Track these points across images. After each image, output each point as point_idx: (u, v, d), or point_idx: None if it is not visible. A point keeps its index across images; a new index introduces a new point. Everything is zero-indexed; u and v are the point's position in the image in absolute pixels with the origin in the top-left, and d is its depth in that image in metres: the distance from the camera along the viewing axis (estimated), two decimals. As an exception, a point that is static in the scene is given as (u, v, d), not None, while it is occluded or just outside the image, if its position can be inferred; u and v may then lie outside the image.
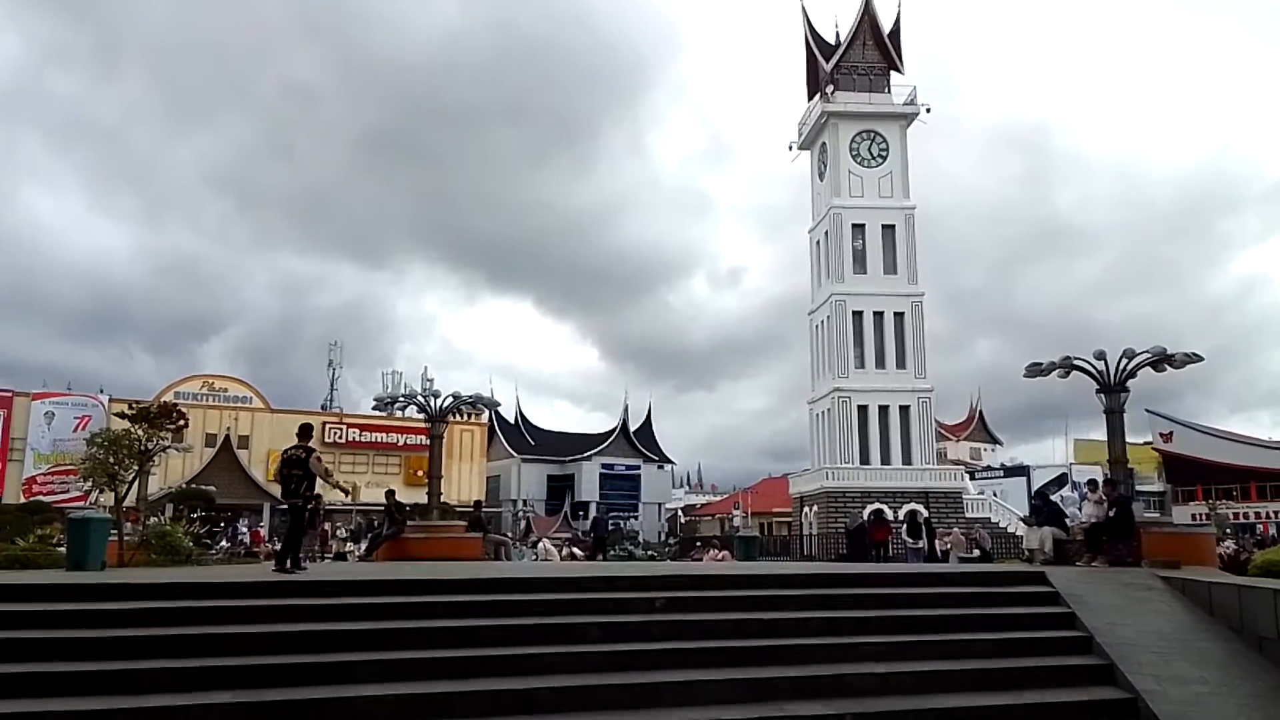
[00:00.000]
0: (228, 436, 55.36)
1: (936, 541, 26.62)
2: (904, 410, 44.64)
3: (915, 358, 44.87)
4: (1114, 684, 7.45)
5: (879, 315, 45.15)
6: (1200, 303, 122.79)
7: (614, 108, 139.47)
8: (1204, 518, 48.84)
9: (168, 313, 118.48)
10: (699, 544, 44.88)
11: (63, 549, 13.75)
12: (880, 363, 44.96)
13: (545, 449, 75.58)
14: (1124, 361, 15.98)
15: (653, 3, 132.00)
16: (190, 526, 15.80)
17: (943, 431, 68.29)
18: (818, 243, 48.52)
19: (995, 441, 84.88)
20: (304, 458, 11.03)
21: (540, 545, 27.85)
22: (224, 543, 29.02)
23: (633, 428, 76.79)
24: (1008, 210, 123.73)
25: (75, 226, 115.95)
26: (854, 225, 46.00)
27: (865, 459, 44.05)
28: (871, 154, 47.17)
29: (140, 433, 14.81)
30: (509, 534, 27.21)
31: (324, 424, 57.60)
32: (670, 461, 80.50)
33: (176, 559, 14.20)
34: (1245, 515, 54.94)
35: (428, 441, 22.12)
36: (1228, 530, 38.26)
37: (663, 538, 67.41)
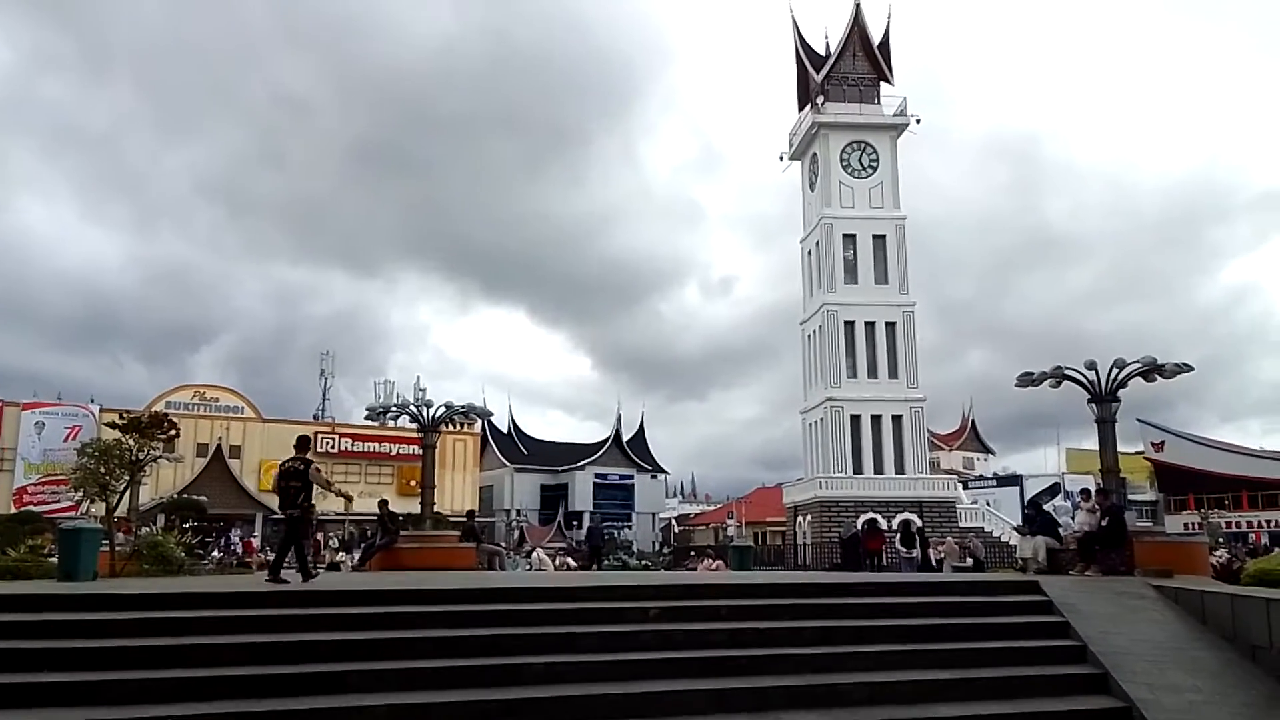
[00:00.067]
0: (219, 446, 55.20)
1: (930, 551, 26.66)
2: (896, 420, 44.76)
3: (907, 367, 45.02)
4: (1108, 693, 7.46)
5: (870, 325, 45.30)
6: (1190, 312, 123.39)
7: (606, 117, 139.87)
8: (1196, 527, 49.07)
9: (159, 322, 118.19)
10: (693, 553, 45.00)
11: (54, 559, 13.67)
12: (872, 372, 45.08)
13: (538, 459, 75.48)
14: (1115, 371, 16.05)
15: (644, 12, 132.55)
16: (182, 537, 15.69)
17: (935, 441, 68.39)
18: (809, 253, 48.67)
19: (988, 451, 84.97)
20: (302, 469, 11.04)
21: (534, 555, 27.80)
22: (216, 553, 28.87)
23: (626, 437, 76.75)
24: (998, 220, 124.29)
25: (66, 235, 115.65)
26: (845, 235, 46.20)
27: (858, 469, 44.13)
28: (862, 164, 47.41)
29: (131, 443, 14.72)
30: (502, 544, 27.17)
31: (316, 434, 57.29)
32: (664, 471, 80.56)
33: (168, 569, 14.11)
34: (1237, 524, 55.09)
35: (420, 451, 22.09)
36: (1220, 539, 38.30)
37: (657, 547, 67.42)
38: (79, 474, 14.60)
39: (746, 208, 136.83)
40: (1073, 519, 17.89)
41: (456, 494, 58.48)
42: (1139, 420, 59.45)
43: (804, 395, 48.92)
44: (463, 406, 21.38)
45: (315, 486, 11.21)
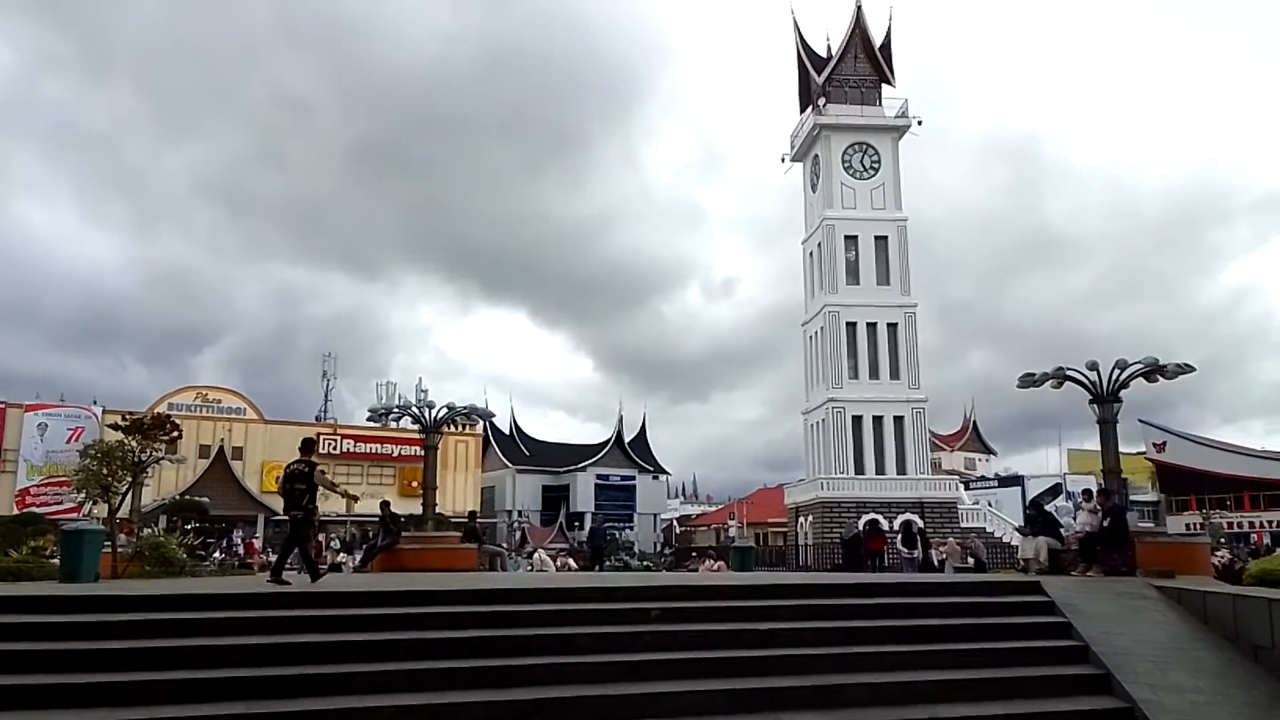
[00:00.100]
0: (221, 448, 55.20)
1: (931, 551, 26.64)
2: (898, 420, 44.76)
3: (909, 368, 45.03)
4: (1110, 693, 7.47)
5: (872, 326, 45.32)
6: (1191, 313, 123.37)
7: (607, 119, 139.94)
8: (1198, 527, 49.00)
9: (161, 324, 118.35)
10: (694, 554, 44.91)
11: (56, 561, 13.67)
12: (874, 373, 45.09)
13: (540, 460, 75.50)
14: (1117, 372, 16.05)
15: (645, 14, 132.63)
16: (184, 538, 15.70)
17: (937, 442, 68.38)
18: (811, 254, 48.68)
19: (989, 452, 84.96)
20: (307, 472, 11.08)
21: (536, 556, 27.80)
22: (218, 554, 28.86)
23: (627, 438, 76.78)
24: (998, 221, 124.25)
25: (67, 236, 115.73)
26: (847, 237, 46.22)
27: (860, 469, 44.14)
28: (864, 166, 47.43)
29: (134, 444, 14.73)
30: (504, 545, 27.17)
31: (318, 435, 57.40)
32: (665, 472, 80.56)
33: (170, 571, 14.12)
34: (1239, 524, 55.10)
35: (422, 452, 22.10)
36: (1222, 539, 38.28)
37: (658, 548, 67.42)
38: (81, 475, 14.60)
39: (748, 209, 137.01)
40: (1074, 519, 17.89)
41: (458, 495, 58.48)
42: (1140, 421, 59.43)
43: (806, 396, 48.92)
44: (464, 407, 21.40)
45: (319, 488, 11.24)
